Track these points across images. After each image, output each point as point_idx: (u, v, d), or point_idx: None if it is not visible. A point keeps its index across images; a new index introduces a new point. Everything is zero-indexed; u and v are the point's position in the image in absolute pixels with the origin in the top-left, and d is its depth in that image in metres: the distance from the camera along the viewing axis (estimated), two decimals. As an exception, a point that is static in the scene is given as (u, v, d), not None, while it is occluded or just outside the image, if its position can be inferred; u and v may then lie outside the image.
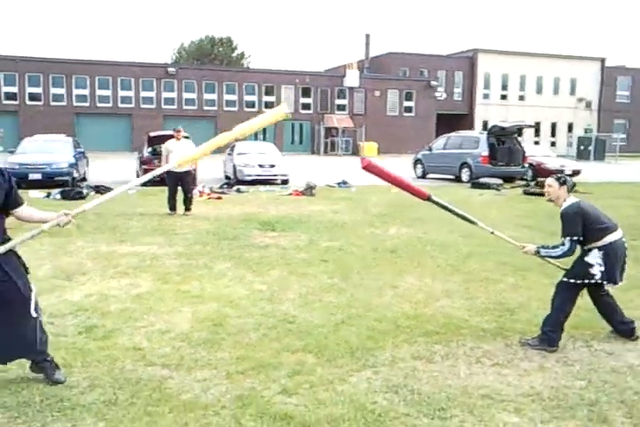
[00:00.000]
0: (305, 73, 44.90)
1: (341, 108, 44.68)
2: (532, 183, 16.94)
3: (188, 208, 11.53)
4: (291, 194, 15.05)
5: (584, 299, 5.40)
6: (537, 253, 4.80)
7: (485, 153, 19.27)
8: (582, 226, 4.53)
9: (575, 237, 4.53)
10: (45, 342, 3.89)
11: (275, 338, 4.73)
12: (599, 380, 3.98)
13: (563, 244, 4.58)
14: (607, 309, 4.83)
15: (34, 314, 3.74)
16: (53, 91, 38.32)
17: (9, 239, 3.68)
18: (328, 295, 5.96)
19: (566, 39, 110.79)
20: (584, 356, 4.44)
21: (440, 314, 5.38)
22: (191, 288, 6.16)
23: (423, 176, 22.05)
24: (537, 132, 48.70)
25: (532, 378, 4.01)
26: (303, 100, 43.82)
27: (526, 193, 15.55)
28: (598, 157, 35.06)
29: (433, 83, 45.89)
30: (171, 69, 40.62)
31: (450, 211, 5.02)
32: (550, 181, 4.74)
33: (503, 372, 4.12)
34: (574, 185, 4.76)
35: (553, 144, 49.02)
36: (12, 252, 3.68)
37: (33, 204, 4.15)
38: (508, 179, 18.84)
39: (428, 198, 4.94)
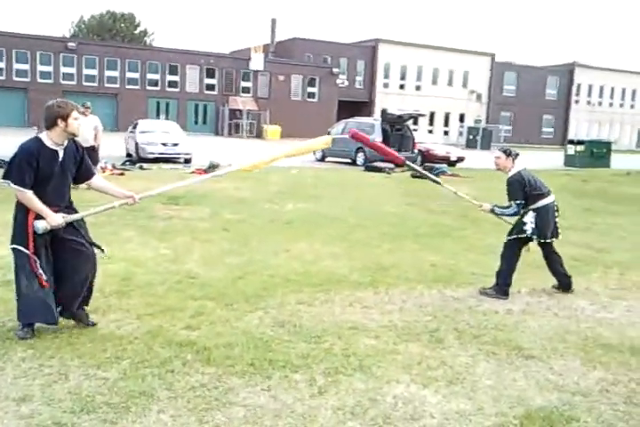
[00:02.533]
0: (210, 54, 44.77)
1: (246, 90, 44.97)
2: (420, 168, 18.31)
3: (91, 182, 11.80)
4: (193, 172, 15.55)
5: (442, 259, 6.47)
6: (492, 211, 5.75)
7: (379, 139, 20.47)
8: (523, 192, 5.53)
9: (518, 201, 5.54)
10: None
11: (179, 289, 5.42)
12: (443, 316, 5.01)
13: (510, 206, 5.59)
14: (554, 263, 5.86)
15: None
16: (-60, 60, 36.16)
17: (73, 207, 4.26)
18: (228, 258, 6.69)
19: (460, 34, 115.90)
20: (436, 301, 5.46)
21: (325, 271, 6.27)
22: (99, 251, 6.68)
23: (322, 159, 23.07)
24: (431, 122, 51.22)
25: (392, 316, 4.98)
26: (208, 81, 43.73)
27: (413, 176, 16.84)
28: (485, 146, 37.61)
29: (335, 70, 47.08)
30: (71, 44, 39.31)
31: (420, 173, 6.25)
32: (498, 153, 5.72)
33: (370, 311, 5.06)
34: (517, 154, 5.72)
35: (446, 133, 51.75)
36: (75, 212, 4.25)
37: None
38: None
39: (404, 163, 5.92)
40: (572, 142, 28.60)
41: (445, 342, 4.41)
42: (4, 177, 3.98)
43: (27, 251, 4.02)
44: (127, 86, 40.91)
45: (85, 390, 3.40)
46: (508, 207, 5.66)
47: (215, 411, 3.25)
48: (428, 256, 7.10)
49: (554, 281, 5.99)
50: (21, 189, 3.95)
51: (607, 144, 28.69)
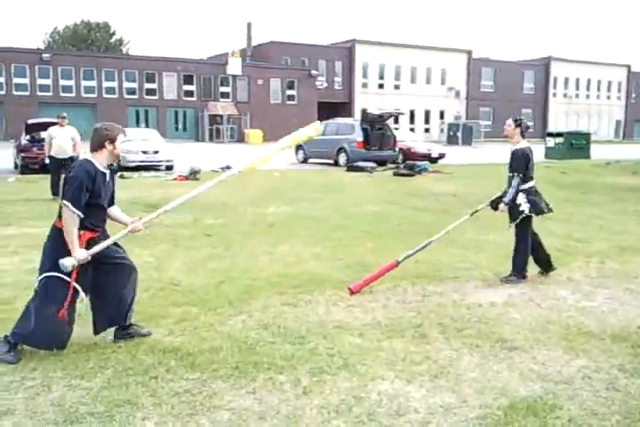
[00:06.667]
0: (187, 60, 44.65)
1: (225, 95, 44.90)
2: (402, 166, 18.42)
3: (72, 193, 11.72)
4: (175, 179, 15.50)
5: (424, 254, 6.48)
6: (506, 204, 5.91)
7: (360, 139, 20.57)
8: (525, 166, 5.82)
9: (521, 174, 5.81)
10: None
11: (162, 296, 5.40)
12: (427, 311, 5.03)
13: (513, 178, 5.83)
14: (535, 243, 6.09)
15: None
16: None
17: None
18: (210, 263, 6.67)
19: (436, 32, 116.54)
20: (419, 297, 5.49)
21: (308, 272, 6.26)
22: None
23: (305, 161, 23.08)
24: (412, 120, 51.44)
25: (376, 313, 4.99)
26: (186, 88, 43.61)
27: (396, 174, 16.94)
28: (466, 141, 37.87)
29: (314, 72, 47.16)
30: (45, 55, 39.00)
31: (417, 251, 6.02)
32: (509, 121, 5.99)
33: (354, 310, 5.07)
34: (528, 128, 6.01)
35: (427, 130, 52.02)
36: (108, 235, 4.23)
37: None
38: (381, 162, 20.24)
39: (399, 263, 5.80)
40: (550, 135, 28.85)
41: (429, 337, 4.43)
42: (65, 197, 3.90)
43: (68, 279, 3.93)
44: (105, 95, 40.68)
45: (69, 401, 3.38)
46: (509, 186, 5.87)
47: (200, 416, 3.24)
48: (410, 253, 7.11)
49: (537, 269, 6.14)
50: (76, 211, 3.88)
51: (586, 135, 28.97)
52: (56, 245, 3.97)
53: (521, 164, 5.85)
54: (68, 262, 3.87)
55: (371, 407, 3.34)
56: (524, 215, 5.88)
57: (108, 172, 4.10)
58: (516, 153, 5.90)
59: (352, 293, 5.47)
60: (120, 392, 3.48)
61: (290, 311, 5.00)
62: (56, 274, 3.94)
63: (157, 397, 3.44)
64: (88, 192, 3.92)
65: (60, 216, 3.98)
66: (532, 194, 5.94)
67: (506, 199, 5.92)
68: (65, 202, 3.88)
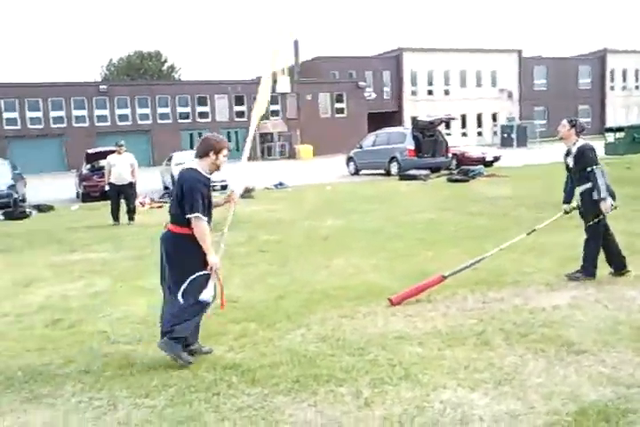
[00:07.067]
0: (236, 82, 45.53)
1: (275, 113, 45.47)
2: (456, 171, 18.17)
3: (131, 218, 12.09)
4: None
5: (485, 262, 6.33)
6: (603, 199, 5.63)
7: (411, 147, 20.42)
8: (595, 157, 5.74)
9: (599, 164, 5.69)
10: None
11: (221, 314, 5.39)
12: (488, 317, 4.91)
13: (593, 172, 5.63)
14: (612, 242, 5.90)
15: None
16: (-18, 115, 37.77)
17: None
18: (268, 278, 6.72)
19: (484, 33, 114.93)
20: (479, 303, 5.36)
21: (365, 284, 6.22)
22: (144, 284, 6.79)
23: (356, 173, 23.05)
24: (464, 124, 50.73)
25: (436, 322, 4.90)
26: (237, 109, 44.43)
27: (450, 180, 16.71)
28: (521, 143, 37.03)
29: (361, 84, 47.25)
30: (102, 87, 40.61)
31: (467, 266, 5.89)
32: (564, 122, 5.94)
33: (413, 320, 5.00)
34: (583, 129, 5.94)
35: (480, 134, 51.19)
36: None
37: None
38: (435, 169, 20.01)
39: (444, 277, 5.72)
40: (610, 130, 27.87)
41: (492, 344, 4.32)
42: (191, 211, 4.06)
43: (208, 271, 4.18)
44: (159, 121, 41.90)
45: (134, 420, 3.45)
46: (595, 181, 5.61)
47: (262, 431, 3.25)
48: (468, 259, 6.96)
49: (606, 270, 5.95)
50: (205, 218, 4.10)
51: (649, 128, 27.82)
52: (185, 249, 4.16)
53: (593, 157, 5.71)
54: (206, 296, 4.20)
55: (434, 417, 3.27)
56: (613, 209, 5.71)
57: (210, 176, 4.32)
58: (582, 148, 5.77)
59: (392, 304, 5.40)
60: (184, 410, 3.53)
61: (348, 324, 4.97)
62: (203, 272, 4.17)
63: (220, 413, 3.47)
64: (206, 198, 4.13)
65: (173, 220, 4.21)
66: (610, 186, 5.77)
67: (602, 195, 5.64)
68: (194, 214, 4.06)
